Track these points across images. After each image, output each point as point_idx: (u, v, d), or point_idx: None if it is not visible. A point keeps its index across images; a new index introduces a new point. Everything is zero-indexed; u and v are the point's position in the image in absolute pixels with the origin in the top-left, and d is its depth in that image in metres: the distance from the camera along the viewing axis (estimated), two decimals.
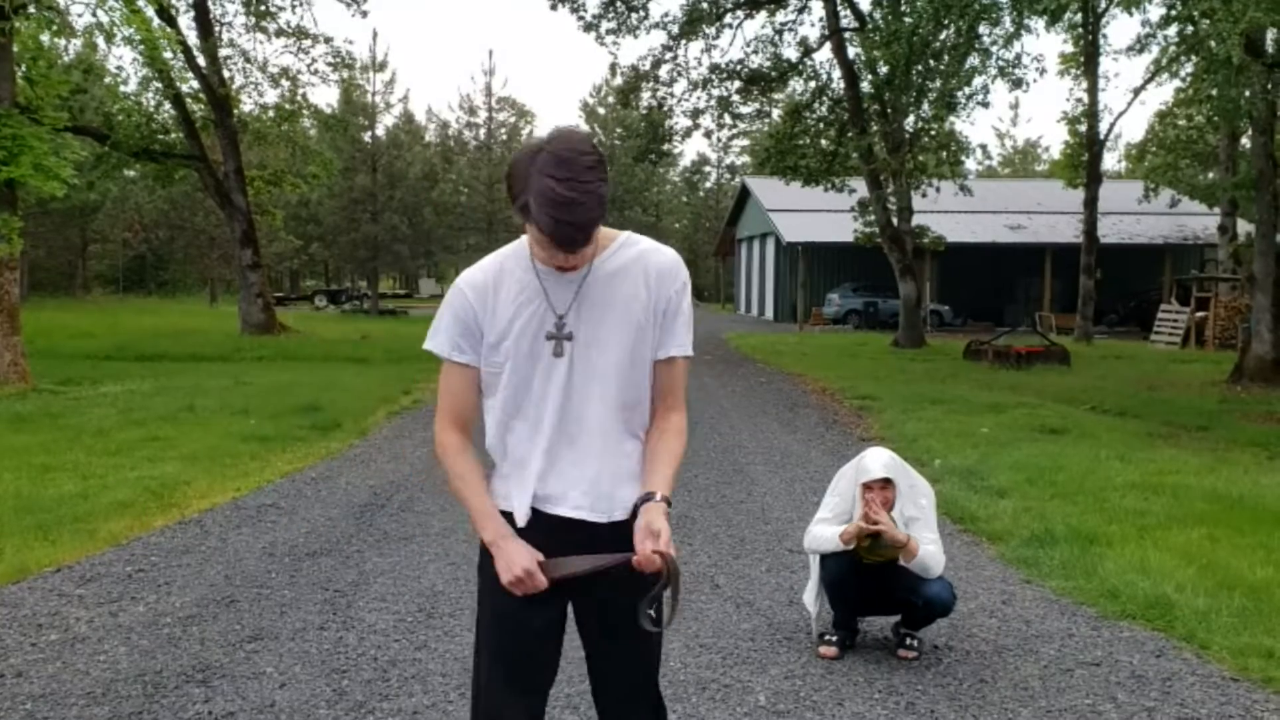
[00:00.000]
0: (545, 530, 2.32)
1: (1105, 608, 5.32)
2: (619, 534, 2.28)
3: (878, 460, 4.55)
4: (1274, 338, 16.44)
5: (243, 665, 4.38)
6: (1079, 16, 25.34)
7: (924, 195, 25.96)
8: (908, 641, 4.68)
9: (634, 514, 2.27)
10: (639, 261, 2.30)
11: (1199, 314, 26.77)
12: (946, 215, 30.86)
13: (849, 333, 33.23)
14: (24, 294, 20.79)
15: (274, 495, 7.73)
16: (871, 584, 4.62)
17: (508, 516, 2.35)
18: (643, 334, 2.30)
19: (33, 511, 6.91)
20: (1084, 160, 29.07)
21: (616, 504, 2.32)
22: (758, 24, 50.14)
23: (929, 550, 4.46)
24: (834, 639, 4.72)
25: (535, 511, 2.33)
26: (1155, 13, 23.42)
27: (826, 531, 4.60)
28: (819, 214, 34.17)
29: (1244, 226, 26.73)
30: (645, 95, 26.41)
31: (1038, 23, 16.50)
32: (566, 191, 2.06)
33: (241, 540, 6.43)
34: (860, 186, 25.71)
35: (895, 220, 25.19)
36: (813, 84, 26.38)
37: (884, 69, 21.75)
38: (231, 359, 18.78)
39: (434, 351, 2.35)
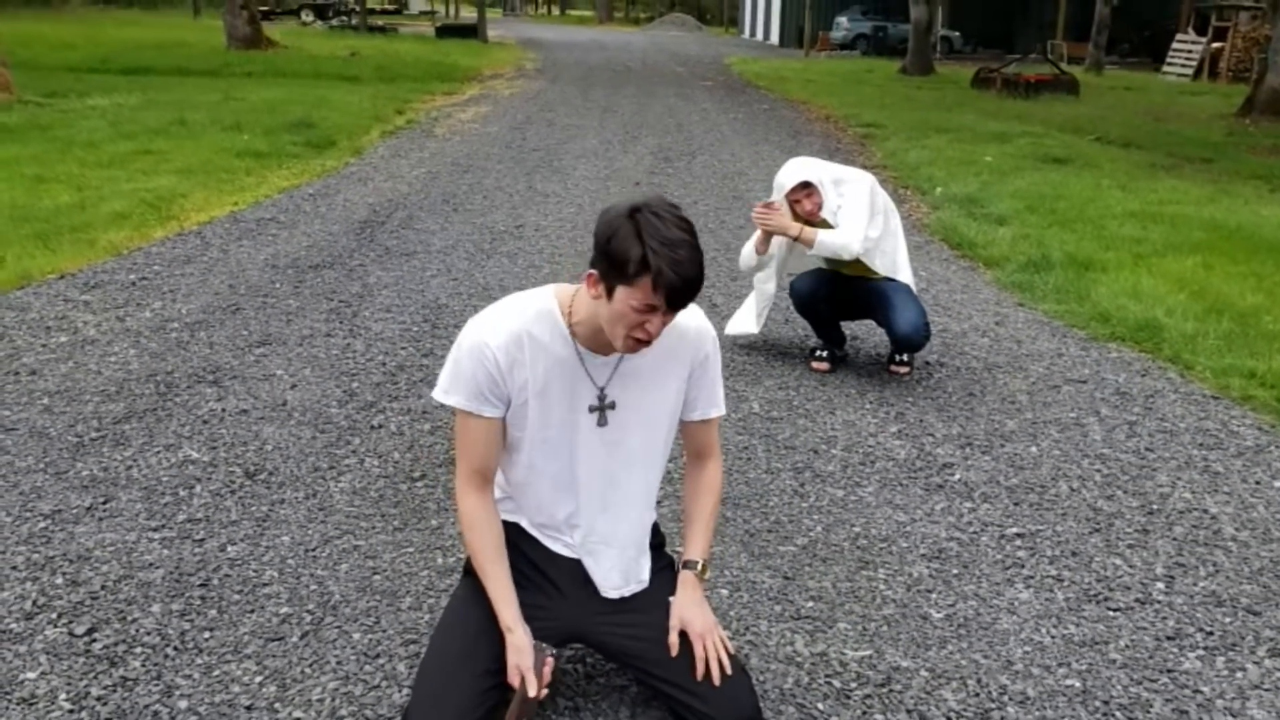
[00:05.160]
0: (580, 582, 2.31)
1: (1096, 330, 5.44)
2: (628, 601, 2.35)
3: (789, 171, 4.39)
4: None
5: (253, 368, 4.49)
6: None
7: None
8: (898, 358, 4.79)
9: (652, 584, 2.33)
10: (671, 328, 2.14)
11: (1215, 44, 25.88)
12: None
13: (856, 59, 32.21)
14: None
15: (272, 210, 7.69)
16: (841, 297, 4.67)
17: (511, 526, 2.30)
18: (678, 401, 2.28)
19: (30, 221, 6.89)
20: None
21: (636, 578, 2.35)
22: None
23: (825, 238, 4.34)
24: (824, 354, 4.83)
25: (577, 563, 2.32)
26: None
27: (746, 248, 4.72)
28: None
29: None
30: None
31: None
32: (688, 237, 1.94)
33: (243, 252, 6.45)
34: None
35: None
36: None
37: None
38: (219, 74, 18.19)
39: (455, 406, 2.15)
